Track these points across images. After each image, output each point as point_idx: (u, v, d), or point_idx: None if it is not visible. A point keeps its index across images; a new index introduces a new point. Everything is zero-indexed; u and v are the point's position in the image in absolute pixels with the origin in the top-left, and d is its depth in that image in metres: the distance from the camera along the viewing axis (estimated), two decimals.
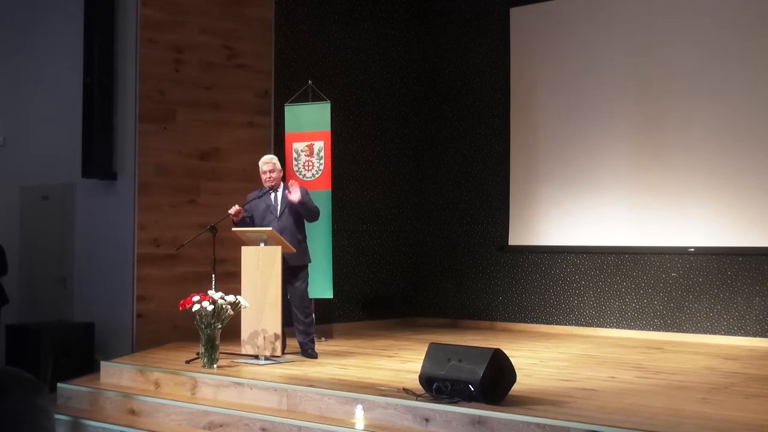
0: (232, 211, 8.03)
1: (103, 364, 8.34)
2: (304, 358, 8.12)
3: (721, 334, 9.70)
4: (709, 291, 9.87)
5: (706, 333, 9.80)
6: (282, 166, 8.54)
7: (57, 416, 7.23)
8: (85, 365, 8.77)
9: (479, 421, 5.76)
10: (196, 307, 7.42)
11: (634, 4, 10.47)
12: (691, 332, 9.90)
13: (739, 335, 9.60)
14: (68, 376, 8.38)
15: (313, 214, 8.29)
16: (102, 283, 9.58)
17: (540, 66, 11.17)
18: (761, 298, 9.53)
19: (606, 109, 10.59)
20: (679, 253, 10.07)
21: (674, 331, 10.01)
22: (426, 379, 6.19)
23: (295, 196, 8.02)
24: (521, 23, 11.37)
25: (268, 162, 8.29)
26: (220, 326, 7.54)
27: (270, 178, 8.22)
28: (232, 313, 7.55)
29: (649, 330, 10.20)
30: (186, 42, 9.64)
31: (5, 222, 10.18)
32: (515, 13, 11.40)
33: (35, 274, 10.31)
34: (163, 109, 9.49)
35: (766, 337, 9.42)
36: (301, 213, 8.19)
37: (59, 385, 8.13)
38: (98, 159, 9.46)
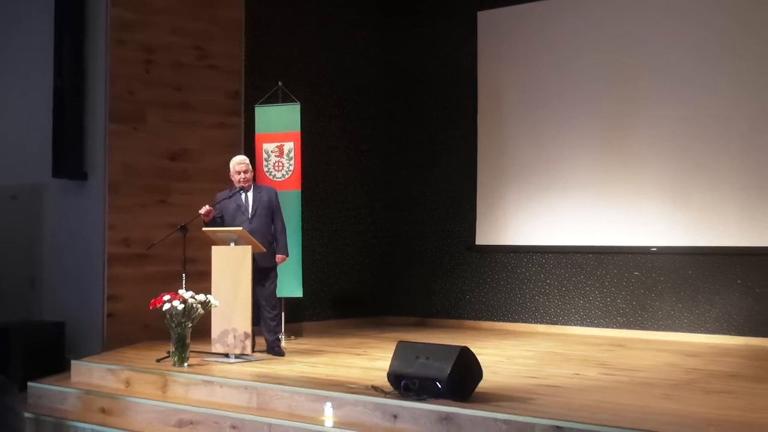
0: (202, 211, 8.01)
1: (73, 363, 8.28)
2: (273, 357, 8.13)
3: (683, 332, 9.79)
4: (670, 289, 9.97)
5: (667, 330, 9.89)
6: (252, 167, 8.52)
7: (27, 415, 7.17)
8: (56, 364, 8.70)
9: (446, 418, 5.78)
10: (166, 306, 7.40)
11: (599, 10, 10.54)
12: (653, 330, 9.99)
13: (699, 332, 9.70)
14: (39, 375, 8.31)
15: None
16: (72, 283, 9.51)
17: (507, 69, 11.21)
18: (721, 296, 9.63)
19: (570, 113, 10.66)
20: (641, 252, 10.15)
21: (637, 329, 10.10)
22: (394, 377, 6.21)
23: (282, 260, 8.39)
24: (489, 26, 11.42)
25: (241, 162, 8.29)
26: (190, 325, 7.52)
27: (243, 178, 8.22)
28: (202, 312, 7.54)
29: (613, 328, 10.27)
30: (156, 42, 9.59)
31: None
32: (482, 16, 11.44)
33: (4, 274, 10.19)
34: (134, 110, 9.44)
35: (725, 334, 9.53)
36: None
37: (29, 384, 8.07)
38: (68, 159, 9.39)
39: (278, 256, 8.33)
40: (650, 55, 10.14)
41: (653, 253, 10.09)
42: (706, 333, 9.67)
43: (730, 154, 9.64)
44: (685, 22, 9.95)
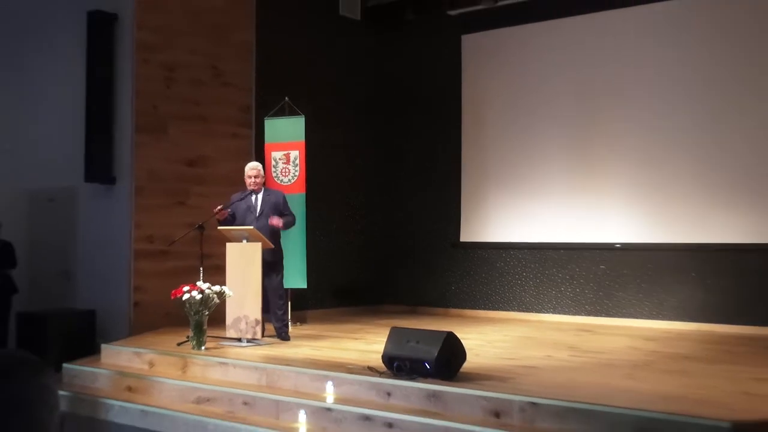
0: (216, 209, 8.00)
1: (103, 346, 8.28)
2: (280, 341, 8.11)
3: (643, 319, 9.80)
4: (632, 281, 9.97)
5: (630, 318, 9.90)
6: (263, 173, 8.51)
7: (62, 393, 7.15)
8: (88, 348, 8.68)
9: (434, 395, 5.78)
10: (186, 296, 7.40)
11: (566, 36, 10.54)
12: (617, 317, 10.00)
13: (658, 319, 9.71)
14: (72, 357, 8.29)
15: (291, 225, 8.37)
16: (102, 275, 9.49)
17: (488, 86, 11.21)
18: (677, 287, 9.64)
19: (543, 125, 10.67)
20: (607, 248, 10.16)
21: (603, 316, 10.10)
22: (388, 359, 6.20)
23: (276, 222, 8.06)
24: (471, 48, 11.42)
25: (254, 168, 8.30)
26: (207, 313, 7.52)
27: (254, 182, 8.21)
28: (217, 301, 7.53)
29: (581, 315, 10.28)
30: (176, 62, 9.56)
31: (15, 222, 10.03)
32: (466, 39, 11.44)
33: (42, 268, 10.17)
34: (156, 122, 9.42)
35: (681, 321, 9.54)
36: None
37: (64, 365, 8.05)
38: (99, 165, 9.38)
39: (272, 218, 8.09)
40: (611, 75, 10.16)
41: (617, 248, 10.10)
42: (663, 320, 9.68)
43: (684, 161, 9.65)
44: (639, 46, 9.97)
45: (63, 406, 7.12)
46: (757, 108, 9.21)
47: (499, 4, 10.55)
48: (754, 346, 7.83)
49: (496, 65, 11.16)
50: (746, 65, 9.31)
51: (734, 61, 9.37)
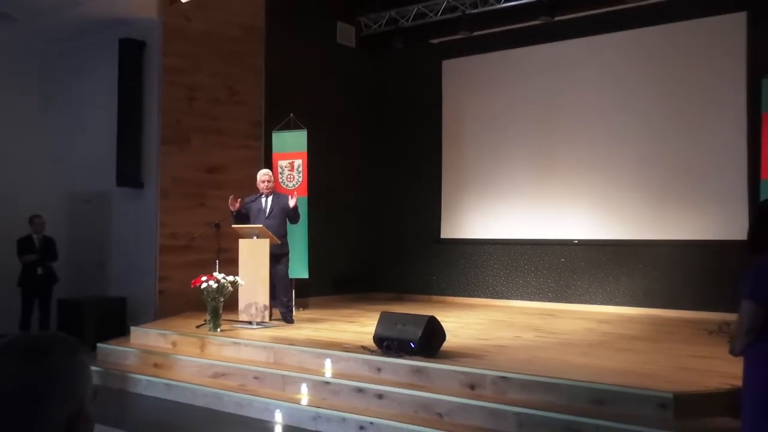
0: (231, 198, 7.97)
1: (132, 328, 8.25)
2: (286, 324, 8.09)
3: (598, 304, 9.83)
4: (588, 272, 10.00)
5: (586, 303, 9.93)
6: None
7: (95, 368, 7.13)
8: (119, 330, 8.64)
9: (418, 371, 5.78)
10: (204, 285, 7.39)
11: (536, 60, 10.56)
12: (575, 303, 10.02)
13: (610, 305, 9.73)
14: (106, 337, 8.26)
15: (297, 218, 8.33)
16: (132, 267, 9.45)
17: (465, 104, 11.22)
18: (627, 277, 9.67)
19: (513, 137, 10.67)
20: (566, 244, 10.18)
21: (563, 302, 10.13)
22: (378, 339, 6.20)
23: (292, 202, 8.02)
24: (451, 72, 11.42)
25: (266, 173, 8.30)
26: (222, 299, 7.50)
27: (267, 186, 8.20)
28: (231, 289, 7.51)
29: (545, 301, 10.30)
30: (198, 83, 9.53)
31: (57, 220, 9.98)
32: (446, 64, 11.45)
33: (80, 260, 10.12)
34: (180, 135, 9.38)
35: (630, 306, 9.57)
36: (290, 216, 8.18)
37: (98, 345, 8.02)
38: (129, 172, 9.34)
39: (292, 198, 8.07)
40: (569, 96, 10.18)
41: (575, 244, 10.12)
42: (615, 305, 9.71)
43: (632, 170, 9.68)
44: (592, 74, 9.99)
45: (96, 381, 7.10)
46: (693, 125, 9.25)
47: (475, 34, 10.56)
48: (693, 327, 7.86)
49: (472, 86, 11.17)
50: (680, 88, 9.34)
51: (669, 84, 9.40)
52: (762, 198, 7.26)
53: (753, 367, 3.19)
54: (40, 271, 9.14)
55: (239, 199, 8.05)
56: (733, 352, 3.25)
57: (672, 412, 4.66)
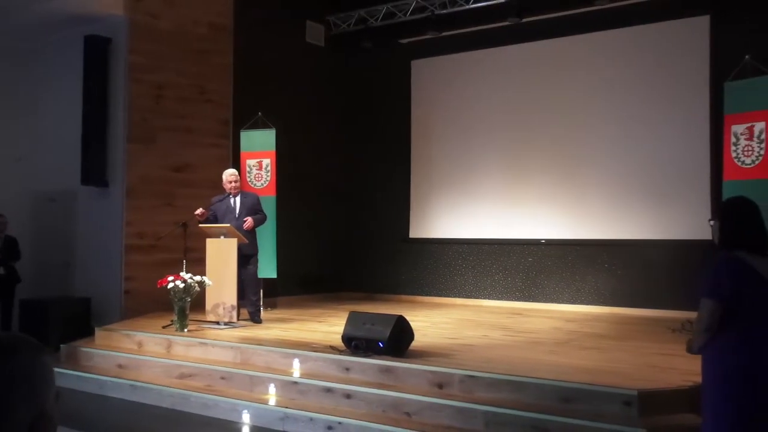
0: (197, 212, 7.90)
1: (97, 329, 8.13)
2: (254, 324, 8.05)
3: (564, 303, 9.92)
4: (555, 271, 10.09)
5: (553, 302, 10.01)
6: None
7: (59, 370, 7.01)
8: (84, 331, 8.50)
9: (387, 370, 5.78)
10: (171, 285, 7.31)
11: (504, 61, 10.63)
12: (542, 302, 10.10)
13: (577, 304, 9.83)
14: (70, 338, 8.13)
15: (263, 222, 8.29)
16: (97, 266, 9.32)
17: (433, 104, 11.26)
18: (592, 276, 9.78)
19: (481, 137, 10.73)
20: (534, 243, 10.27)
21: (530, 301, 10.20)
22: (347, 339, 6.19)
23: (249, 225, 8.00)
24: (420, 72, 11.45)
25: (232, 174, 8.23)
26: (189, 299, 7.43)
27: (233, 186, 8.15)
28: (198, 289, 7.45)
29: (512, 300, 10.37)
30: (165, 81, 9.42)
31: (20, 219, 9.79)
32: (415, 64, 11.48)
33: (44, 260, 9.95)
34: (146, 133, 9.27)
35: (596, 305, 9.68)
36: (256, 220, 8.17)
37: (62, 346, 7.89)
38: (94, 170, 9.21)
39: (247, 219, 8.03)
40: (536, 96, 10.26)
41: (542, 244, 10.21)
42: (581, 304, 9.80)
43: (597, 171, 9.80)
44: (559, 75, 10.09)
45: (61, 382, 6.98)
46: (657, 126, 9.38)
47: (444, 34, 10.61)
48: (657, 326, 7.97)
49: (440, 86, 11.21)
50: (644, 90, 9.47)
51: (634, 86, 9.53)
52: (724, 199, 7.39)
53: (711, 365, 3.23)
54: (2, 271, 8.96)
55: (206, 211, 7.98)
56: (691, 350, 3.28)
57: (636, 409, 4.71)
